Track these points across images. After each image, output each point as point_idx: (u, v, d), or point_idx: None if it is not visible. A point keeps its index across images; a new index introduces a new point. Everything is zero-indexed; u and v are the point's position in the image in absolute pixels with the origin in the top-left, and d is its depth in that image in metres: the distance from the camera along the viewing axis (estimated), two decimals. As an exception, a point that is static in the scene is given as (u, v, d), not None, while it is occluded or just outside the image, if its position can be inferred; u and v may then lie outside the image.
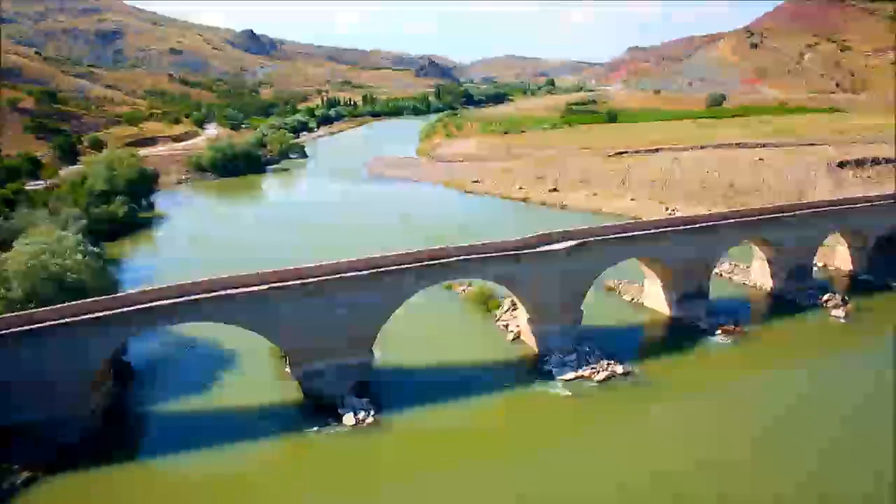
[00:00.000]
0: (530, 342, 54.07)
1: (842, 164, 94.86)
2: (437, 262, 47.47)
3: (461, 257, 48.37)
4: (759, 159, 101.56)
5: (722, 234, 58.62)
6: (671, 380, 48.45)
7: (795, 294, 63.09)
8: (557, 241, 53.06)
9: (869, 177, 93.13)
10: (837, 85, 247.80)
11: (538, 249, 50.53)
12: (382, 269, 45.94)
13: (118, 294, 43.41)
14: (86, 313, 40.88)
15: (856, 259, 69.04)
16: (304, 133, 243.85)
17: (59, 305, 41.37)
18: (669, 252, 56.25)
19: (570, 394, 46.38)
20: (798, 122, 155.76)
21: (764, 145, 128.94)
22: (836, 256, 71.30)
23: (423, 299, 49.83)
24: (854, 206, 64.64)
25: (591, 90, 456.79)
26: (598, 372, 48.73)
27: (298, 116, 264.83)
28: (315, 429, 42.88)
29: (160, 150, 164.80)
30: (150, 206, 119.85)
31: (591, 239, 52.81)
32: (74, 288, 48.21)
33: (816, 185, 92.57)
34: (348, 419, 43.37)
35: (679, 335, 55.95)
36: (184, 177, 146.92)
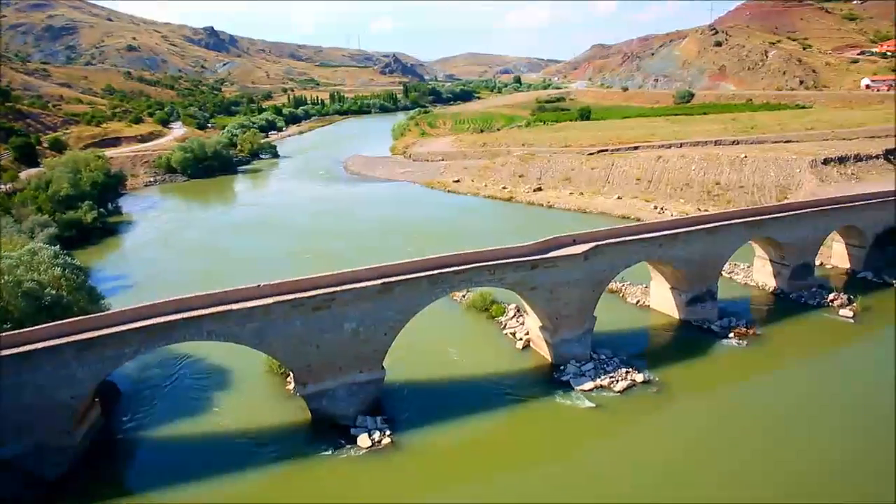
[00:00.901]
0: (542, 350, 52.03)
1: (826, 161, 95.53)
2: (450, 270, 44.86)
3: (475, 265, 45.93)
4: (744, 156, 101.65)
5: (732, 234, 57.54)
6: (692, 387, 46.93)
7: (800, 293, 62.59)
8: (568, 245, 51.20)
9: (852, 173, 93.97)
10: (801, 82, 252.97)
11: (554, 255, 48.39)
12: (394, 280, 43.14)
13: (108, 311, 39.59)
14: (73, 334, 37.23)
15: (853, 256, 69.02)
16: (273, 132, 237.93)
17: (41, 326, 37.48)
18: (682, 253, 54.85)
19: (592, 405, 44.39)
20: (771, 119, 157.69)
21: (740, 142, 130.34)
22: (833, 254, 71.24)
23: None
24: (856, 203, 64.34)
25: (557, 87, 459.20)
26: (618, 381, 46.93)
27: (266, 115, 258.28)
28: (328, 452, 39.98)
29: (125, 150, 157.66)
30: (118, 210, 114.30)
31: (605, 242, 50.94)
32: (53, 306, 44.05)
33: (802, 182, 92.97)
34: (363, 440, 40.53)
35: (692, 339, 54.65)
36: (152, 179, 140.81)
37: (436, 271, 44.56)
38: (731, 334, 54.25)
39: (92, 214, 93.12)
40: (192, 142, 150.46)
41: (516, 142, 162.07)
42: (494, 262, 46.34)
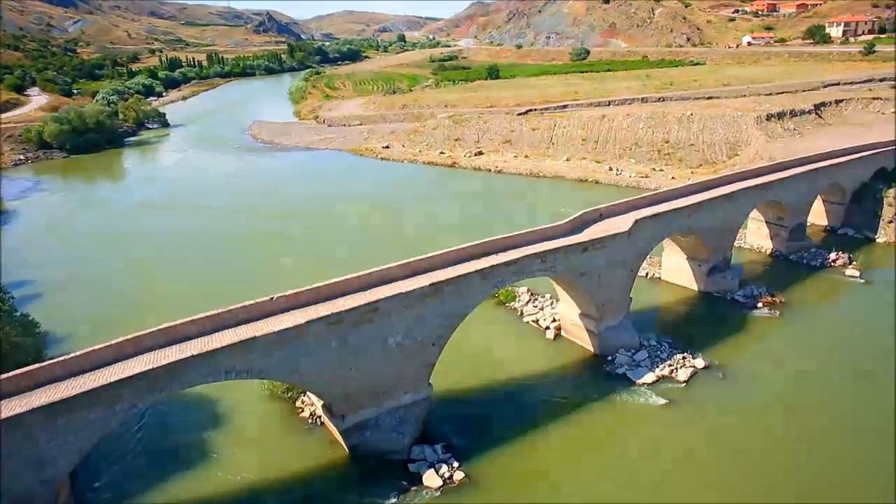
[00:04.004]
0: (580, 340, 46.53)
1: (769, 118, 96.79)
2: (501, 262, 37.64)
3: (524, 251, 39.05)
4: (690, 114, 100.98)
5: (747, 198, 54.59)
6: (754, 368, 43.36)
7: (800, 255, 61.58)
8: (596, 221, 45.91)
9: (794, 128, 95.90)
10: (688, 39, 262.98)
11: (600, 234, 42.51)
12: (443, 279, 35.26)
13: (81, 352, 28.49)
14: (32, 389, 26.55)
15: (831, 213, 69.29)
16: (153, 98, 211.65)
17: (-18, 386, 26.22)
18: (706, 222, 51.06)
19: (664, 401, 39.61)
20: (684, 75, 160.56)
21: (666, 99, 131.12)
22: (811, 211, 71.14)
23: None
24: (842, 158, 63.91)
25: (446, 45, 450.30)
26: (677, 369, 42.53)
27: (141, 79, 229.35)
28: (392, 500, 32.12)
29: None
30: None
31: (643, 216, 45.77)
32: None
33: (750, 139, 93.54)
34: (431, 479, 33.03)
35: (721, 312, 51.46)
36: (21, 157, 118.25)
37: (485, 264, 37.22)
38: (760, 304, 51.66)
39: (-37, 206, 74.97)
40: (69, 111, 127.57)
41: (436, 103, 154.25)
42: (545, 249, 39.69)
